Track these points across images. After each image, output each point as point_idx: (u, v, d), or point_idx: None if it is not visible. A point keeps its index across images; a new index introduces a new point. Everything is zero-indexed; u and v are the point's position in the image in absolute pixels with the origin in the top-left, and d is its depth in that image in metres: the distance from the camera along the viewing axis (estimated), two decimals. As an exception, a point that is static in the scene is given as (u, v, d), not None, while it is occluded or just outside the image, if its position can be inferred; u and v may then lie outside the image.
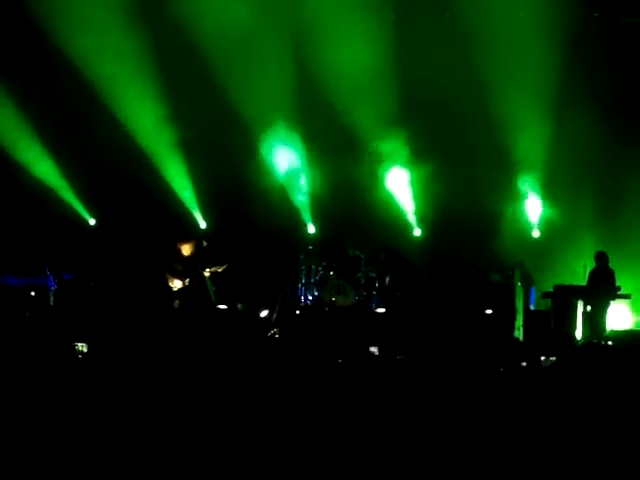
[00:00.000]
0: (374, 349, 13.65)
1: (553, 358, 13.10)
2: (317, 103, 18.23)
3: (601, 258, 15.94)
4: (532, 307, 17.36)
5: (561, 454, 7.05)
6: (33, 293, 16.37)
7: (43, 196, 18.77)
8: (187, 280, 15.54)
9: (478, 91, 17.57)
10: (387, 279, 17.57)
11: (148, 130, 18.71)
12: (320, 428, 7.61)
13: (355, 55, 17.32)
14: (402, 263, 17.53)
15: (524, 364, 12.13)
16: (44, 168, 18.88)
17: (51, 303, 16.38)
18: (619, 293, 15.78)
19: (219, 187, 18.99)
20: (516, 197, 18.62)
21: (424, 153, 18.28)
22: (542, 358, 12.99)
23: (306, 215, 19.48)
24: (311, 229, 19.50)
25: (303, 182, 19.25)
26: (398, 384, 9.96)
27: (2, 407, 7.92)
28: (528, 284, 17.59)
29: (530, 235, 18.77)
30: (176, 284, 15.41)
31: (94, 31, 17.58)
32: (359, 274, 17.73)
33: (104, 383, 9.35)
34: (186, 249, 15.77)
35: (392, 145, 18.45)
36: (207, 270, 15.64)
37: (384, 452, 7.04)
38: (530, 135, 17.77)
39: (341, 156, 18.48)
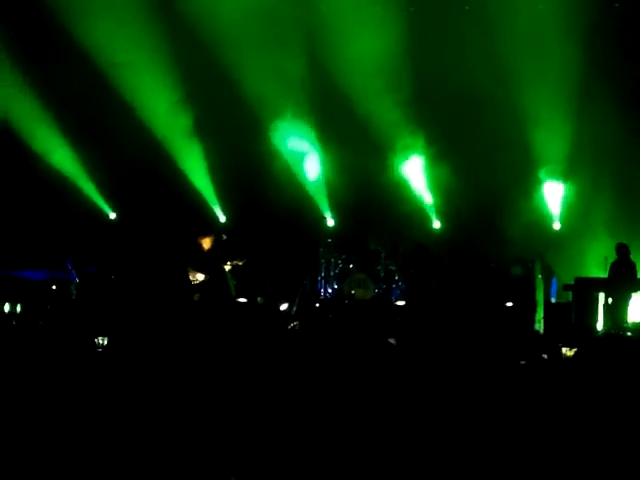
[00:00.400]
0: (392, 340, 13.66)
1: (573, 350, 13.06)
2: (335, 95, 18.23)
3: (622, 250, 15.84)
4: (554, 299, 17.33)
5: (579, 445, 7.06)
6: (54, 287, 16.46)
7: (63, 189, 18.91)
8: (208, 274, 15.60)
9: (498, 83, 17.51)
10: (410, 272, 17.64)
11: (165, 123, 18.79)
12: (338, 420, 7.63)
13: (372, 46, 17.29)
14: (428, 256, 17.56)
15: (545, 356, 12.13)
16: (64, 160, 19.02)
17: (73, 297, 16.49)
18: (641, 285, 15.69)
19: (238, 181, 19.06)
20: (537, 189, 18.54)
21: (443, 145, 18.28)
22: (563, 350, 12.95)
23: (325, 208, 19.51)
24: (330, 222, 19.53)
25: (320, 173, 19.25)
26: (417, 376, 9.97)
27: (22, 400, 7.99)
28: (549, 276, 17.59)
29: (551, 227, 18.73)
30: (198, 278, 15.47)
31: (108, 18, 17.62)
32: (379, 267, 17.75)
33: (123, 377, 9.41)
34: (207, 243, 15.82)
35: (411, 138, 18.45)
36: (227, 264, 15.69)
37: (403, 442, 7.06)
38: (551, 127, 17.71)
39: (359, 149, 18.48)
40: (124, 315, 13.99)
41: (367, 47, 17.27)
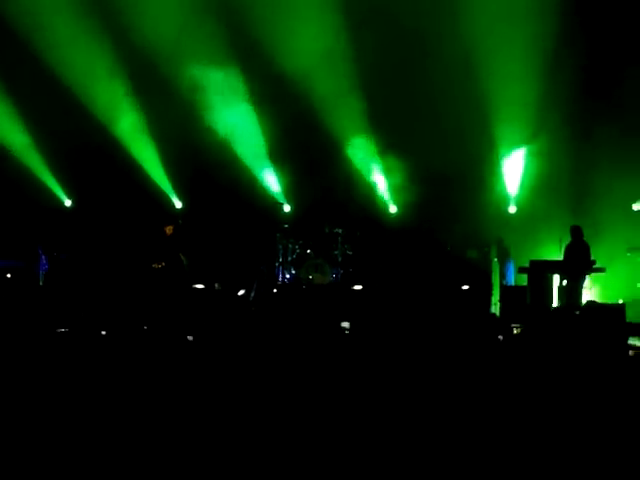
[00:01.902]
0: (346, 324, 13.78)
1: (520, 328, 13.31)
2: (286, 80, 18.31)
3: (576, 232, 16.11)
4: (511, 282, 17.60)
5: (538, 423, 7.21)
6: (9, 275, 16.42)
7: (18, 176, 18.87)
8: (167, 261, 15.71)
9: (452, 63, 17.61)
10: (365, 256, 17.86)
11: (113, 110, 18.81)
12: (298, 407, 7.72)
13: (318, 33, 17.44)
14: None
15: (500, 337, 12.36)
16: (19, 146, 18.97)
17: (40, 284, 16.49)
18: (594, 267, 15.98)
19: (193, 166, 19.09)
20: (492, 172, 18.76)
21: (398, 128, 18.35)
22: (514, 330, 13.22)
23: (281, 194, 19.62)
24: (287, 208, 19.64)
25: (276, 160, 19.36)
26: (375, 361, 10.12)
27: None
28: (506, 260, 17.87)
29: (507, 210, 18.97)
30: (157, 264, 15.57)
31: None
32: (336, 252, 17.91)
33: (89, 367, 9.45)
34: (169, 230, 15.99)
35: (363, 122, 18.59)
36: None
37: (364, 429, 7.12)
38: (506, 108, 17.86)
39: (312, 133, 18.58)
40: (90, 302, 14.03)
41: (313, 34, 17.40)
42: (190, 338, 11.70)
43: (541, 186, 18.44)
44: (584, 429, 7.08)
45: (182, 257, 16.26)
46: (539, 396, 8.06)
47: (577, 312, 13.26)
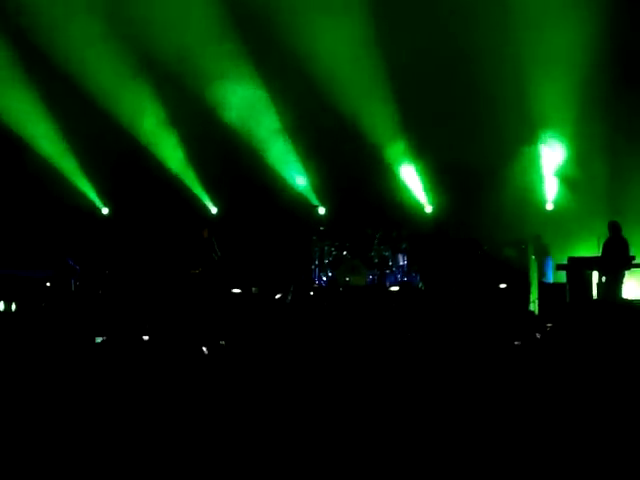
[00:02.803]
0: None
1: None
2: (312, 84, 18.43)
3: (614, 228, 15.99)
4: (550, 280, 17.57)
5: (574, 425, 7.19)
6: (49, 284, 16.67)
7: (55, 184, 19.18)
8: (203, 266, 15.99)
9: (489, 61, 17.64)
10: (401, 257, 17.91)
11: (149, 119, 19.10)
12: (337, 410, 7.71)
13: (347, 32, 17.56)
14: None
15: (538, 336, 12.35)
16: (56, 154, 19.29)
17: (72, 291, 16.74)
18: (634, 262, 15.89)
19: (228, 172, 19.27)
20: (530, 171, 18.75)
21: (431, 129, 18.42)
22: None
23: (315, 196, 19.74)
24: (322, 210, 19.75)
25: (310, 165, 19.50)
26: (413, 361, 10.16)
27: (17, 400, 8.14)
28: (544, 257, 17.85)
29: (544, 208, 18.94)
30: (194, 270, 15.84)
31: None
32: (372, 253, 17.99)
33: (120, 374, 9.57)
34: (205, 233, 16.33)
35: (396, 124, 18.67)
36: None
37: (402, 428, 7.15)
38: (544, 110, 17.93)
39: (345, 139, 18.71)
40: (126, 311, 14.21)
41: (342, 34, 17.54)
42: (222, 342, 11.82)
43: (579, 182, 18.42)
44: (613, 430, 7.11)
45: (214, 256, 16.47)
46: (570, 395, 8.08)
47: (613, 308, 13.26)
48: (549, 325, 12.59)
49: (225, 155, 19.07)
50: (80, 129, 18.99)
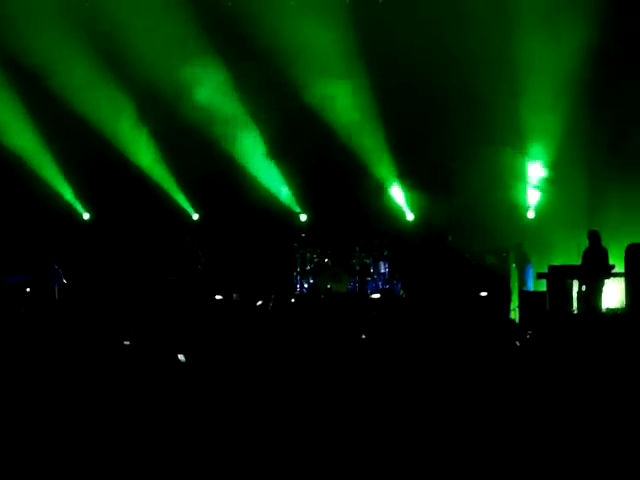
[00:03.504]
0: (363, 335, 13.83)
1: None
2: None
3: (594, 237, 16.14)
4: (530, 288, 17.71)
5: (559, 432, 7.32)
6: (28, 289, 16.67)
7: (37, 188, 19.23)
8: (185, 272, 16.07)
9: (472, 71, 17.83)
10: (383, 265, 18.01)
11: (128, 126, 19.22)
12: (318, 416, 7.84)
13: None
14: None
15: (517, 343, 12.46)
16: (37, 160, 19.36)
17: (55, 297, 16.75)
18: (613, 271, 16.06)
19: (209, 178, 19.35)
20: (511, 178, 18.89)
21: (415, 136, 18.58)
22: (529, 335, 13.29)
23: (298, 204, 19.84)
24: (303, 217, 19.84)
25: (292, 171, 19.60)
26: (394, 368, 10.25)
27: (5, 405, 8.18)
28: (525, 265, 17.98)
29: (525, 216, 19.09)
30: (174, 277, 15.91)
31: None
32: (354, 260, 18.06)
33: (102, 378, 9.61)
34: (186, 239, 16.42)
35: (378, 131, 18.81)
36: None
37: (381, 435, 7.25)
38: (525, 117, 18.09)
39: (324, 144, 18.83)
40: (109, 317, 14.24)
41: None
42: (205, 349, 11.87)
43: (559, 191, 18.59)
44: (595, 432, 7.23)
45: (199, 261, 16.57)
46: (551, 401, 8.20)
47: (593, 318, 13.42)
48: (529, 333, 12.71)
49: (206, 161, 19.12)
50: (59, 133, 19.06)
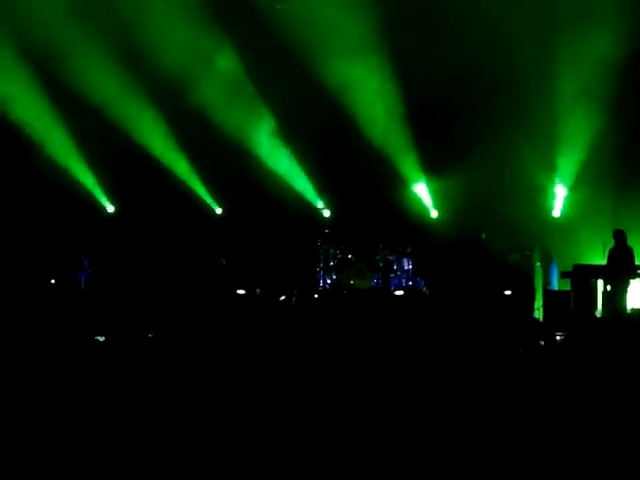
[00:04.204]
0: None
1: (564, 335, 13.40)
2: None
3: (619, 236, 16.14)
4: (554, 287, 17.71)
5: (577, 432, 7.33)
6: (53, 281, 16.82)
7: (61, 182, 19.44)
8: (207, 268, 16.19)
9: (501, 69, 17.88)
10: (406, 261, 18.05)
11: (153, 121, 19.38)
12: (340, 411, 7.88)
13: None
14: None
15: (542, 343, 12.49)
16: (62, 152, 19.57)
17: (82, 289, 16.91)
18: (639, 272, 16.04)
19: (234, 174, 19.46)
20: (538, 176, 18.88)
21: (439, 134, 18.61)
22: (557, 337, 13.32)
23: (321, 199, 19.91)
24: (327, 213, 19.91)
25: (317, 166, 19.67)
26: (416, 366, 10.29)
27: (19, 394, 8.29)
28: (549, 264, 17.97)
29: (550, 214, 19.04)
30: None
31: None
32: (377, 257, 18.08)
33: (122, 373, 9.70)
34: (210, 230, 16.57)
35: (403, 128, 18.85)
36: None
37: (406, 429, 7.31)
38: (550, 116, 18.05)
39: (348, 141, 18.90)
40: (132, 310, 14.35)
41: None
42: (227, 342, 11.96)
43: (585, 190, 18.57)
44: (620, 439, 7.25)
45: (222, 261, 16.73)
46: (577, 403, 8.22)
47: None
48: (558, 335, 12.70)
49: (230, 157, 19.25)
50: (86, 129, 19.23)
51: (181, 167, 19.76)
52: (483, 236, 17.12)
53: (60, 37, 18.36)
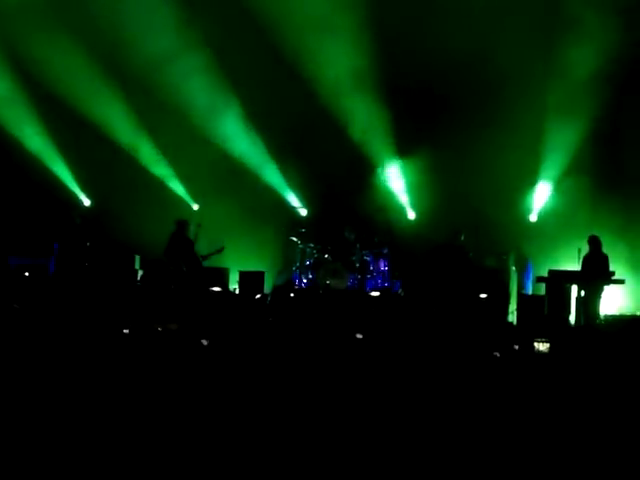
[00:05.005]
0: (359, 335, 13.94)
1: (546, 345, 13.55)
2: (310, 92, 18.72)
3: (594, 243, 16.30)
4: (529, 291, 17.89)
5: (554, 437, 7.46)
6: (27, 274, 16.80)
7: (38, 175, 19.48)
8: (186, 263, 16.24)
9: (488, 68, 18.00)
10: (383, 263, 18.16)
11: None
12: (313, 411, 8.03)
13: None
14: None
15: (516, 348, 12.64)
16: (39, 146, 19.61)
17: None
18: (613, 278, 16.19)
19: (209, 169, 19.52)
20: (516, 180, 19.01)
21: (419, 137, 18.76)
22: (536, 345, 13.45)
23: (298, 197, 20.01)
24: (303, 212, 20.02)
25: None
26: (392, 368, 10.41)
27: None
28: (524, 268, 18.13)
29: (527, 219, 19.23)
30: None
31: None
32: (354, 257, 18.17)
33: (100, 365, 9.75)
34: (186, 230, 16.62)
35: (385, 130, 18.98)
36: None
37: (376, 436, 7.38)
38: (527, 122, 18.21)
39: (331, 140, 18.96)
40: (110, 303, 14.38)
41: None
42: (205, 342, 12.02)
43: (562, 195, 18.78)
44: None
45: (199, 257, 16.81)
46: (547, 404, 8.37)
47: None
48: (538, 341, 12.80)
49: (205, 153, 19.34)
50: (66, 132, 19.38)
51: (156, 164, 19.84)
52: (462, 238, 17.24)
53: (33, 30, 18.43)
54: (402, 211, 19.69)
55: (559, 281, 16.31)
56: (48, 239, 17.43)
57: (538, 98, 18.07)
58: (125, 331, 12.24)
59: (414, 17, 17.91)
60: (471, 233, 17.61)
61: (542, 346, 13.52)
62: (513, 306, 16.85)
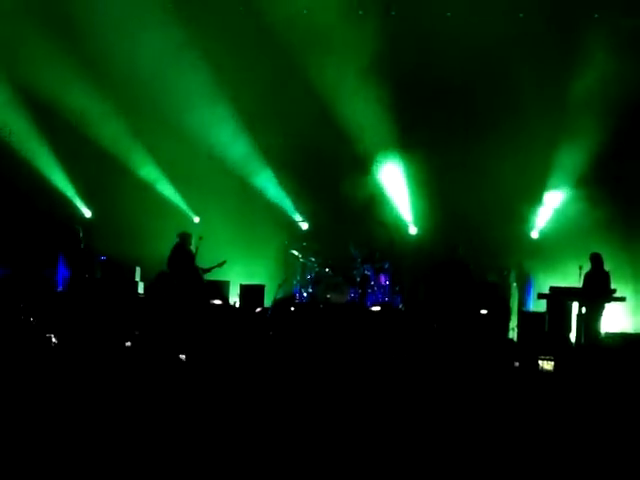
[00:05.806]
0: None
1: (550, 363, 13.61)
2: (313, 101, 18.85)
3: (596, 260, 16.35)
4: (530, 308, 17.97)
5: (556, 451, 7.57)
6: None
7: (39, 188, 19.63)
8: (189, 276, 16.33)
9: (481, 86, 18.33)
10: (384, 278, 18.24)
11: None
12: (314, 424, 8.12)
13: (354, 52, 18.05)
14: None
15: (517, 364, 12.71)
16: (40, 158, 19.75)
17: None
18: (614, 296, 16.21)
19: (208, 181, 19.65)
20: (515, 197, 19.12)
21: (422, 152, 18.86)
22: (540, 362, 13.49)
23: (299, 211, 20.14)
24: (304, 226, 20.14)
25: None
26: (393, 382, 10.50)
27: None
28: (525, 285, 18.22)
29: (529, 235, 19.37)
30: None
31: None
32: (355, 272, 18.29)
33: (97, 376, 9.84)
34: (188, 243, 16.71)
35: (388, 144, 19.12)
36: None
37: (378, 448, 7.49)
38: (531, 139, 18.41)
39: (334, 153, 19.11)
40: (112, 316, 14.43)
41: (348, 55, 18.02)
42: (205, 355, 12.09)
43: (564, 212, 18.90)
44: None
45: (200, 271, 16.90)
46: (547, 419, 8.46)
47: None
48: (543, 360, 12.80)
49: (206, 166, 19.49)
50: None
51: (156, 176, 19.99)
52: (460, 252, 17.31)
53: (31, 37, 18.61)
54: (404, 226, 19.81)
55: (560, 298, 16.38)
56: (51, 250, 17.50)
57: (541, 116, 18.18)
58: (127, 344, 12.32)
59: (420, 23, 18.23)
60: (472, 248, 17.67)
61: (547, 364, 13.57)
62: (514, 322, 16.90)
